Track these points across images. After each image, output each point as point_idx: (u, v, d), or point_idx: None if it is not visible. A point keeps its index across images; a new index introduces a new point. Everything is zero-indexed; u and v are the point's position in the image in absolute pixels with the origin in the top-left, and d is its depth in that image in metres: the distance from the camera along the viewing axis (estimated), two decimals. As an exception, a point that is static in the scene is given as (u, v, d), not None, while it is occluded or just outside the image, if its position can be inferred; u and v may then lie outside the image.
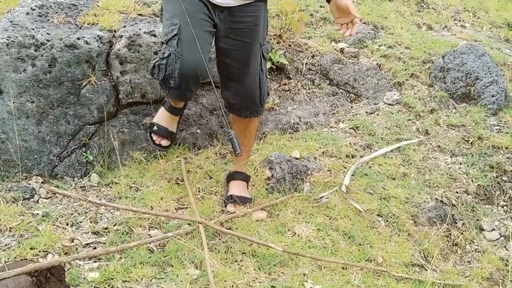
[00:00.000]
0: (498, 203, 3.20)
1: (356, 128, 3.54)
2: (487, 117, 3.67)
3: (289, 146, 3.26)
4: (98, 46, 2.89)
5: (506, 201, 3.19)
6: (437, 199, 3.03)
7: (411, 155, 3.32)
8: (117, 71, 2.95)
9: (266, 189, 2.88)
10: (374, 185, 3.03)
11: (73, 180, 2.87)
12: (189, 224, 2.56)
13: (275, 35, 3.83)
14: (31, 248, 2.28)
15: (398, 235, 2.76)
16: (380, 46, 4.22)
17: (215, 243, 2.48)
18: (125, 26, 3.03)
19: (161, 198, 2.73)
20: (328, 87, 3.82)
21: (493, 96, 3.75)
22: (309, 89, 3.79)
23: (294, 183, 2.94)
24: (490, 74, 3.81)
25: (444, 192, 3.08)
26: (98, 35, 2.91)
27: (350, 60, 4.00)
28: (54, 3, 3.10)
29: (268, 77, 3.20)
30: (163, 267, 2.32)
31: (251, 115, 2.70)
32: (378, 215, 2.86)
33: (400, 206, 2.93)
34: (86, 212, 2.61)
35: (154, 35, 3.00)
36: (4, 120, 2.77)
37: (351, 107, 3.78)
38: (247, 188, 2.81)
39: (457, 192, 3.11)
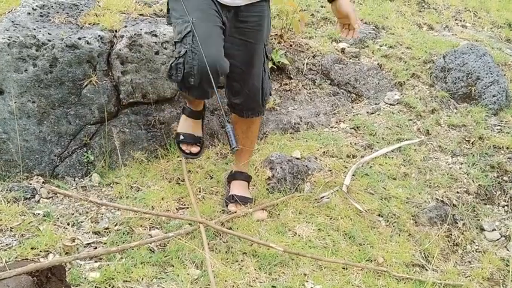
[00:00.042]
0: (499, 203, 3.20)
1: (357, 128, 3.54)
2: (488, 117, 3.67)
3: (290, 146, 3.26)
4: (99, 46, 2.89)
5: (507, 202, 3.19)
6: (438, 199, 3.03)
7: (412, 155, 3.32)
8: (118, 71, 2.95)
9: (267, 189, 2.88)
10: (375, 185, 3.03)
11: (74, 180, 2.87)
12: (189, 224, 2.56)
13: (276, 35, 3.83)
14: (32, 248, 2.28)
15: (399, 235, 2.76)
16: (381, 46, 4.22)
17: (216, 243, 2.49)
18: (126, 26, 3.03)
19: (162, 198, 2.73)
20: (329, 87, 3.82)
21: (494, 96, 3.75)
22: (310, 89, 3.79)
23: (295, 183, 2.94)
24: (491, 74, 3.81)
25: (445, 192, 3.08)
26: (99, 35, 2.92)
27: (351, 60, 4.00)
28: (55, 3, 3.10)
29: (270, 77, 3.20)
30: (164, 267, 2.32)
31: (252, 115, 2.70)
32: (379, 215, 2.86)
33: (400, 206, 2.93)
34: (87, 212, 2.61)
35: (156, 35, 3.00)
36: (5, 120, 2.77)
37: (352, 107, 3.78)
38: (248, 188, 2.81)
39: (457, 192, 3.11)
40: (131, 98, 3.02)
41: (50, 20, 2.99)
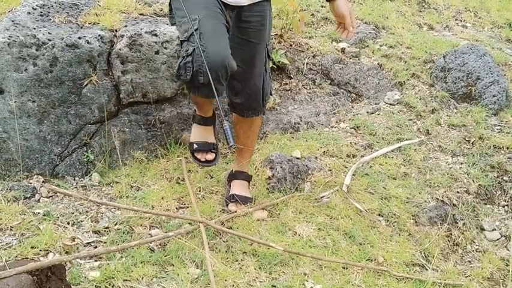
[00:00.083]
0: (499, 203, 3.20)
1: (357, 127, 3.54)
2: (488, 117, 3.67)
3: (290, 145, 3.26)
4: (99, 46, 2.89)
5: (507, 201, 3.19)
6: (438, 199, 3.03)
7: (412, 154, 3.32)
8: (118, 71, 2.95)
9: (267, 188, 2.88)
10: (375, 184, 3.03)
11: (74, 180, 2.87)
12: (189, 223, 2.56)
13: (276, 34, 3.83)
14: (32, 247, 2.28)
15: (399, 235, 2.76)
16: (381, 46, 4.22)
17: (216, 242, 2.49)
18: (126, 26, 3.03)
19: (162, 198, 2.73)
20: (329, 87, 3.83)
21: (494, 96, 3.75)
22: (310, 88, 3.79)
23: (295, 183, 2.94)
24: (491, 74, 3.81)
25: (445, 192, 3.08)
26: (99, 35, 2.92)
27: (351, 60, 4.00)
28: (55, 2, 3.10)
29: (271, 76, 3.20)
30: (164, 266, 2.32)
31: (253, 114, 2.70)
32: (379, 215, 2.86)
33: (400, 205, 2.93)
34: (87, 211, 2.61)
35: (156, 35, 3.00)
36: (5, 120, 2.77)
37: (352, 107, 3.78)
38: (249, 188, 2.81)
39: (457, 192, 3.11)
40: (131, 97, 3.02)
41: (50, 19, 2.99)
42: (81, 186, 2.83)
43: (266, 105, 2.76)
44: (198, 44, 2.20)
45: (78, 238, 2.40)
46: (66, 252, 2.29)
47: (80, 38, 2.86)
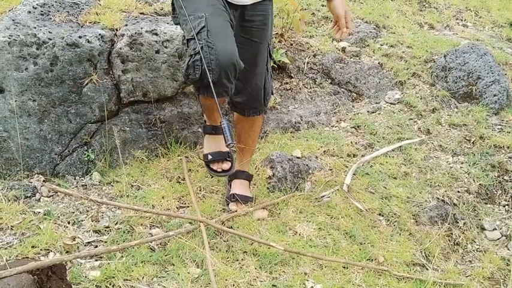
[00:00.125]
0: (500, 203, 3.19)
1: (357, 127, 3.54)
2: (488, 117, 3.67)
3: (290, 145, 3.26)
4: (99, 45, 2.89)
5: (508, 201, 3.19)
6: (438, 198, 3.03)
7: (413, 154, 3.32)
8: (119, 70, 2.95)
9: (267, 188, 2.88)
10: (375, 184, 3.03)
11: (74, 179, 2.87)
12: (190, 222, 2.56)
13: (277, 34, 3.83)
14: (32, 247, 2.28)
15: (400, 234, 2.76)
16: (382, 45, 4.22)
17: (216, 242, 2.49)
18: (126, 25, 3.03)
19: (162, 197, 2.73)
20: (330, 86, 3.82)
21: (494, 95, 3.75)
22: (311, 88, 3.79)
23: (295, 182, 2.94)
24: (492, 73, 3.81)
25: (445, 191, 3.08)
26: (99, 34, 2.91)
27: (352, 59, 4.00)
28: (56, 1, 3.10)
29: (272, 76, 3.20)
30: (165, 266, 2.32)
31: (254, 114, 2.70)
32: (379, 214, 2.86)
33: (401, 205, 2.93)
34: (88, 211, 2.61)
35: (156, 34, 3.00)
36: (6, 119, 2.77)
37: (353, 106, 3.78)
38: (249, 187, 2.81)
39: (458, 191, 3.11)
40: (132, 96, 3.02)
41: (51, 18, 2.99)
42: (82, 185, 2.83)
43: (267, 104, 2.75)
44: (206, 42, 2.16)
45: (78, 237, 2.40)
46: (67, 252, 2.29)
47: (80, 37, 2.86)
